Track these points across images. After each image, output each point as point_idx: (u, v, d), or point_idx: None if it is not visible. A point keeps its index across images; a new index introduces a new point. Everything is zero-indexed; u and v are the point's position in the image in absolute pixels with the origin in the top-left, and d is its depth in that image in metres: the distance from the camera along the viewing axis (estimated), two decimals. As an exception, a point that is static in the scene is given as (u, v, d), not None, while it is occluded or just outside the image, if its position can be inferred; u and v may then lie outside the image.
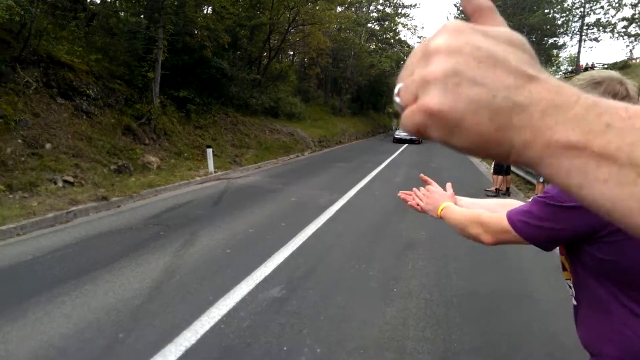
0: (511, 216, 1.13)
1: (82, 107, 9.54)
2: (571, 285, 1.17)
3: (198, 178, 9.91)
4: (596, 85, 1.05)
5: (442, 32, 0.34)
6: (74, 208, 6.30)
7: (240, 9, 17.53)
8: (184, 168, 10.60)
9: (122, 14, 11.49)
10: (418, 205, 1.57)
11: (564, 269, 1.20)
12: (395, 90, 0.36)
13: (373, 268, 4.61)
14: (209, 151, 10.94)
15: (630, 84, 1.06)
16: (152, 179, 8.78)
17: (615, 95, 1.03)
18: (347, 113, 36.01)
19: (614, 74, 1.08)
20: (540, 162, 0.32)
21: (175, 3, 11.85)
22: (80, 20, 10.92)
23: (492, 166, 9.89)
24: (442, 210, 1.45)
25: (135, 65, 11.79)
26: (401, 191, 1.66)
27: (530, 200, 1.13)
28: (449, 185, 1.59)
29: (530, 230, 1.08)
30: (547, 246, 1.10)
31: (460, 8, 46.29)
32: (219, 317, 3.37)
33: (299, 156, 17.57)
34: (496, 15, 0.36)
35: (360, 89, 40.33)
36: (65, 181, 7.28)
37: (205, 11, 15.92)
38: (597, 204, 0.31)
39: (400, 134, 28.55)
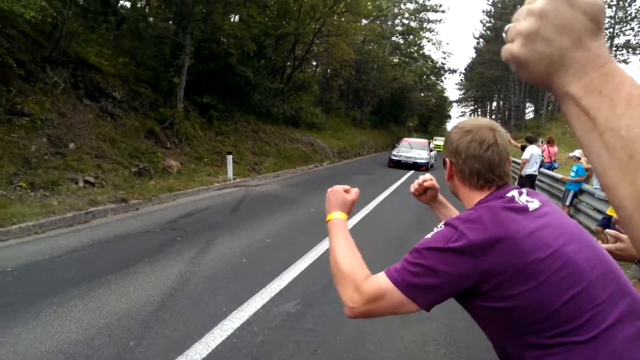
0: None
1: (108, 108, 9.65)
2: None
3: (217, 184, 9.90)
4: (466, 133, 1.16)
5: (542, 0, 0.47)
6: (93, 209, 6.31)
7: (267, 18, 17.67)
8: (204, 173, 10.62)
9: (151, 19, 11.65)
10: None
11: None
12: (505, 28, 0.52)
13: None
14: (229, 157, 10.94)
15: (502, 133, 1.17)
16: (171, 183, 8.79)
17: (482, 142, 1.13)
18: (367, 125, 35.89)
19: (486, 123, 1.18)
20: (562, 102, 0.47)
21: (204, 10, 11.98)
22: (110, 23, 11.11)
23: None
24: (330, 219, 1.32)
25: (161, 70, 11.93)
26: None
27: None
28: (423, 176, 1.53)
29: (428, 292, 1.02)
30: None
31: (486, 25, 45.75)
32: (232, 331, 3.26)
33: (317, 167, 17.49)
34: None
35: (381, 102, 40.20)
36: (86, 181, 7.32)
37: (232, 19, 16.10)
38: (585, 150, 0.46)
39: (401, 153, 19.28)
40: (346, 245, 1.19)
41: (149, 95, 11.40)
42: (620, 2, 34.01)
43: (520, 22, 0.49)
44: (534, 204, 1.06)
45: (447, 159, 1.21)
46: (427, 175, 1.55)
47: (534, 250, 0.94)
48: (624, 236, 1.52)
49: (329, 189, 1.29)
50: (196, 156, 11.80)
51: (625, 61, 36.14)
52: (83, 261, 4.57)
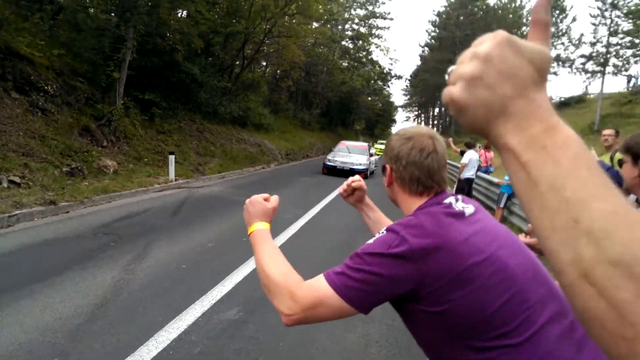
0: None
1: (38, 103, 9.00)
2: None
3: (157, 185, 9.50)
4: (406, 140, 1.18)
5: (488, 40, 0.45)
6: (17, 212, 5.83)
7: (216, 16, 17.26)
8: (143, 174, 10.15)
9: (91, 10, 10.99)
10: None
11: None
12: (448, 69, 0.49)
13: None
14: (171, 158, 10.55)
15: (441, 141, 1.20)
16: (107, 184, 8.32)
17: (422, 150, 1.16)
18: (315, 127, 36.09)
19: (425, 130, 1.21)
20: (501, 152, 0.45)
21: (149, 3, 11.50)
22: (46, 12, 10.35)
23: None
24: (252, 230, 1.29)
25: (100, 63, 11.29)
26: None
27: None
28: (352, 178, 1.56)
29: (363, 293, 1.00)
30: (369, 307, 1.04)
31: (431, 34, 47.62)
32: (168, 342, 3.10)
33: (264, 168, 17.31)
34: (547, 30, 0.46)
35: (330, 105, 40.60)
36: (11, 181, 6.76)
37: (179, 14, 15.57)
38: (524, 206, 0.42)
39: (337, 158, 16.87)
40: (273, 254, 1.17)
41: (85, 90, 10.75)
42: (554, 18, 36.53)
43: (464, 65, 0.46)
44: (469, 209, 1.09)
45: (387, 165, 1.22)
46: (356, 177, 1.56)
47: (470, 255, 0.97)
48: None
49: (247, 200, 1.22)
50: (135, 156, 11.27)
51: (555, 73, 38.84)
52: (4, 269, 4.19)
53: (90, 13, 10.67)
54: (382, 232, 1.06)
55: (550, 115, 0.43)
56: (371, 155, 18.02)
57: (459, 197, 1.15)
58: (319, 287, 1.01)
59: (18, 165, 7.27)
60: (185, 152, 13.72)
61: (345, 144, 18.88)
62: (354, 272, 1.00)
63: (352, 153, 17.41)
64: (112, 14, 11.61)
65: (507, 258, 1.00)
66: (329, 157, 16.93)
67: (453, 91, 0.46)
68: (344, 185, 1.55)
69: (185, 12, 15.59)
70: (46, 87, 9.29)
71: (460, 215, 1.06)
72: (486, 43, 0.44)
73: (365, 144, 19.42)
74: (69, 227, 5.91)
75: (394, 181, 1.22)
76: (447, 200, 1.12)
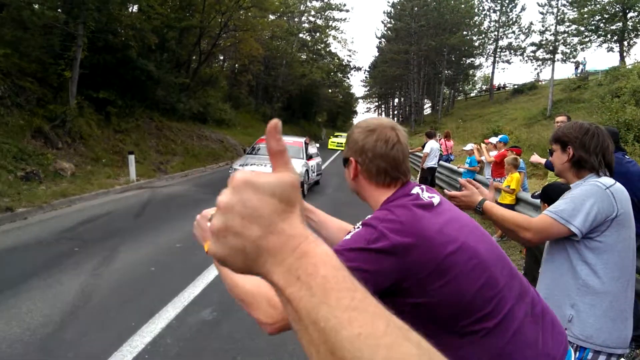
0: None
1: (-16, 105, 8.54)
2: None
3: (118, 187, 9.25)
4: (370, 133, 1.18)
5: (227, 189, 0.45)
6: (-30, 221, 5.57)
7: (169, 10, 16.80)
8: (103, 175, 9.85)
9: (36, 6, 10.45)
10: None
11: None
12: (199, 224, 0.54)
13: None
14: (131, 158, 10.28)
15: (402, 131, 1.21)
16: (65, 188, 8.04)
17: (387, 141, 1.16)
18: (277, 121, 35.85)
19: (386, 122, 1.22)
20: (275, 289, 0.43)
21: (98, -2, 11.05)
22: (-14, 10, 9.80)
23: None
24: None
25: (50, 62, 10.77)
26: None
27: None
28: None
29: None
30: None
31: (387, 25, 47.83)
32: (143, 346, 3.09)
33: (228, 164, 17.14)
34: (284, 156, 0.47)
35: (291, 98, 40.49)
36: (-40, 189, 6.43)
37: (130, 9, 15.06)
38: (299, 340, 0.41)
39: (249, 166, 9.67)
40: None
41: (35, 91, 10.28)
42: (504, 7, 37.76)
43: (213, 219, 0.45)
44: (436, 200, 1.13)
45: (351, 159, 1.21)
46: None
47: (446, 245, 1.01)
48: (470, 186, 1.83)
49: (198, 216, 1.08)
50: (93, 157, 10.90)
51: (508, 61, 40.23)
52: (-39, 282, 4.02)
53: (36, 10, 10.16)
54: (358, 227, 1.07)
55: (302, 240, 0.42)
56: (310, 157, 11.36)
57: (423, 187, 1.19)
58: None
59: (-33, 172, 6.91)
60: (145, 151, 13.38)
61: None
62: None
63: None
64: (59, 11, 11.11)
65: (476, 244, 1.06)
66: (239, 163, 10.29)
67: (210, 246, 0.46)
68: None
69: (136, 7, 15.11)
70: (-8, 89, 8.82)
71: (429, 206, 1.10)
72: (225, 192, 0.45)
73: (301, 140, 11.84)
74: (29, 233, 5.70)
75: (359, 174, 1.21)
76: (413, 191, 1.15)
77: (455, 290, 1.00)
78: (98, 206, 7.64)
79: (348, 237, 1.06)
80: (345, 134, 36.99)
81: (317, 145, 12.88)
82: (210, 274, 4.58)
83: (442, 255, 1.00)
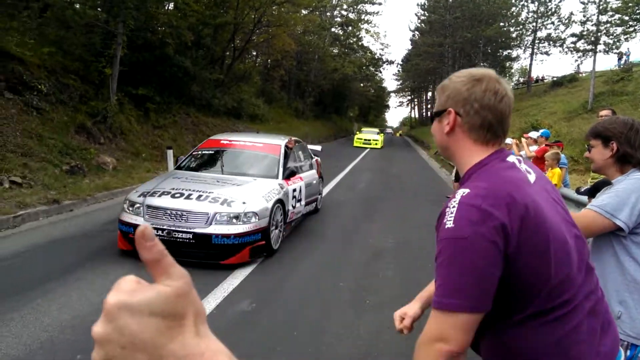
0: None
1: (33, 102, 8.93)
2: None
3: (158, 180, 9.50)
4: (477, 82, 1.07)
5: (101, 317, 0.37)
6: (22, 212, 5.85)
7: (204, 7, 17.10)
8: (142, 170, 10.15)
9: (78, 6, 10.85)
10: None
11: None
12: None
13: (345, 279, 4.54)
14: (169, 152, 10.50)
15: (505, 83, 1.09)
16: (107, 181, 8.33)
17: (496, 92, 1.05)
18: (309, 116, 35.98)
19: (492, 72, 1.11)
20: None
21: (136, -3, 11.36)
22: (33, 10, 10.23)
23: (453, 173, 10.11)
24: None
25: (91, 60, 11.18)
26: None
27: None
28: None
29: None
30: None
31: (421, 18, 46.82)
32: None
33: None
34: (163, 261, 0.38)
35: (323, 93, 40.43)
36: (12, 182, 6.76)
37: (167, 7, 15.42)
38: None
39: (157, 201, 4.83)
40: None
41: (78, 88, 10.67)
42: (542, -2, 36.41)
43: (93, 353, 0.39)
44: (532, 176, 1.07)
45: (451, 109, 1.09)
46: (396, 315, 1.45)
47: (543, 225, 0.97)
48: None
49: None
50: (133, 151, 11.25)
51: (547, 53, 38.75)
52: (15, 270, 4.23)
53: (77, 9, 10.55)
54: (454, 206, 0.97)
55: (196, 353, 0.37)
56: (293, 174, 6.27)
57: (519, 157, 1.11)
58: (441, 321, 0.98)
59: (18, 165, 7.26)
60: (182, 146, 13.69)
61: (220, 141, 6.89)
62: (455, 277, 0.95)
63: (227, 174, 5.96)
64: (100, 10, 11.50)
65: (567, 234, 1.02)
66: (139, 193, 5.13)
67: None
68: (398, 325, 1.46)
69: (172, 5, 15.44)
70: (39, 86, 9.21)
71: (527, 181, 1.03)
72: (98, 323, 0.38)
73: (279, 143, 6.61)
74: (75, 225, 5.94)
75: (456, 127, 1.09)
76: (509, 159, 1.07)
77: (543, 271, 0.97)
78: (138, 199, 7.88)
79: (450, 224, 0.96)
80: (372, 129, 35.55)
81: (319, 148, 9.76)
82: (248, 267, 4.64)
83: (539, 235, 0.96)
